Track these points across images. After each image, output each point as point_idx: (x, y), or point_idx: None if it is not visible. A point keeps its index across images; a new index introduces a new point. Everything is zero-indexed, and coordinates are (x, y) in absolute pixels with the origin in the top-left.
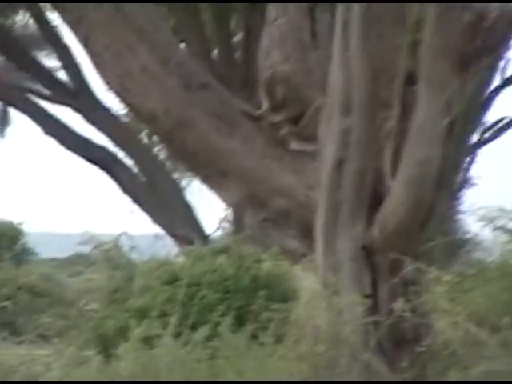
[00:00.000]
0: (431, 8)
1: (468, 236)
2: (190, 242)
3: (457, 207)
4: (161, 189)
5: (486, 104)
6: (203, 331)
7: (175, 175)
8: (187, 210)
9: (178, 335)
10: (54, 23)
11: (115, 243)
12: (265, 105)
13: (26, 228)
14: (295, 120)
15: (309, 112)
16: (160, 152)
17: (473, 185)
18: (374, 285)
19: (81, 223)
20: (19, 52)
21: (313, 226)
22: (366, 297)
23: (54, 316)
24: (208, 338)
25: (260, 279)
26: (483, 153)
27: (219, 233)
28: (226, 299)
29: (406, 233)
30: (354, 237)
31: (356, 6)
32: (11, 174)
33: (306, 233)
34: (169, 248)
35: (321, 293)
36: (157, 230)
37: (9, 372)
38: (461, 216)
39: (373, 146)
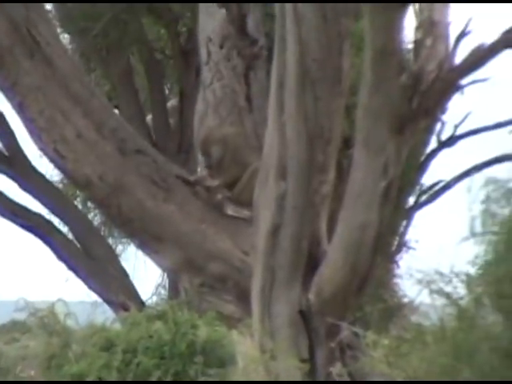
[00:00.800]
0: (367, 71)
1: (405, 300)
2: (126, 309)
3: (394, 271)
4: (96, 255)
5: (423, 167)
6: None
7: (110, 241)
8: (122, 276)
9: None
10: None
11: (51, 310)
12: (201, 168)
13: None
14: (231, 185)
15: (244, 177)
16: (95, 218)
17: (409, 248)
18: (311, 349)
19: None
20: None
21: (249, 290)
22: (304, 361)
23: None
24: None
25: (197, 345)
26: (419, 216)
27: (155, 298)
28: (163, 365)
29: (342, 297)
30: (291, 301)
31: (291, 69)
32: None
33: (243, 297)
34: (107, 315)
35: (258, 358)
36: (94, 296)
37: None
38: (398, 280)
39: (309, 211)
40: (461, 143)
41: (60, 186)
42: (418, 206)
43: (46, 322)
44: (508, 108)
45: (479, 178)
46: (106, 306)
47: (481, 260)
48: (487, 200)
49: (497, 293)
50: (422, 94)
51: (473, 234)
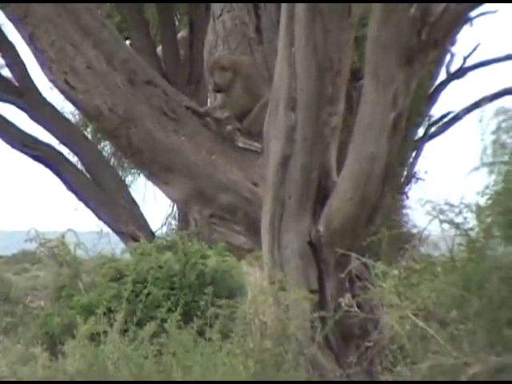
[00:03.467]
0: (376, 3)
1: (415, 230)
2: (136, 239)
3: (403, 202)
4: (106, 186)
5: (432, 98)
6: (150, 328)
7: (120, 172)
8: (132, 207)
9: (124, 332)
10: None
11: (61, 240)
12: (211, 99)
13: None
14: (242, 116)
15: (255, 108)
16: (105, 149)
17: (419, 179)
18: (321, 280)
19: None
20: None
21: (259, 221)
22: (313, 292)
23: None
24: (155, 335)
25: (206, 275)
26: (429, 147)
27: (165, 229)
28: (173, 295)
29: (352, 228)
30: (300, 232)
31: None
32: None
33: (253, 229)
34: (115, 245)
35: (267, 288)
36: (104, 227)
37: None
38: (407, 210)
39: (318, 142)
40: (470, 75)
41: (70, 117)
42: (427, 137)
43: (56, 252)
44: None
45: (489, 108)
46: (116, 237)
47: (491, 190)
48: (498, 130)
49: (506, 223)
50: (430, 25)
51: (483, 164)
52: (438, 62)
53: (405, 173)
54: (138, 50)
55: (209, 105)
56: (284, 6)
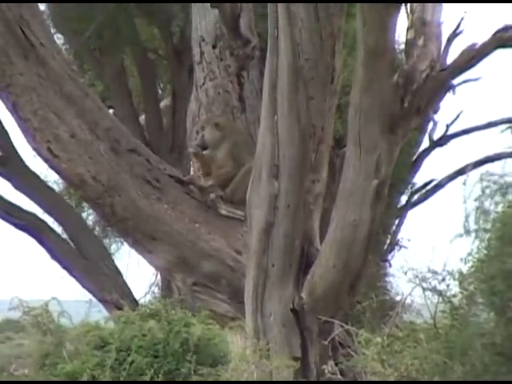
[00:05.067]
0: (359, 71)
1: (398, 298)
2: (120, 307)
3: (386, 269)
4: (89, 254)
5: (415, 166)
6: None
7: (104, 240)
8: (116, 275)
9: None
10: None
11: (44, 309)
12: (194, 168)
13: None
14: (225, 183)
15: (237, 176)
16: (89, 217)
17: (402, 247)
18: (304, 347)
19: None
20: None
21: (242, 289)
22: (296, 359)
23: None
24: None
25: (190, 343)
26: (412, 215)
27: (149, 297)
28: (156, 363)
29: (335, 296)
30: (283, 300)
31: (283, 69)
32: None
33: (236, 296)
34: (102, 313)
35: (250, 356)
36: (88, 295)
37: None
38: (390, 278)
39: (301, 210)
40: (453, 142)
41: (55, 186)
42: (410, 204)
43: (39, 320)
44: (499, 107)
45: (472, 176)
46: (100, 305)
47: (473, 257)
48: (482, 195)
49: (489, 290)
50: (413, 93)
51: (466, 231)
52: (421, 130)
53: (388, 240)
54: (121, 118)
55: (191, 172)
56: (266, 73)
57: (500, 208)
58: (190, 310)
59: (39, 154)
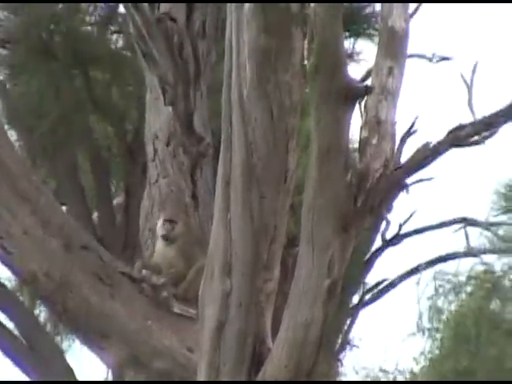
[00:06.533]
0: (312, 170)
1: None
2: None
3: (338, 368)
4: (42, 351)
5: (367, 265)
6: None
7: (56, 337)
8: (68, 372)
9: None
10: None
11: None
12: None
13: None
14: (177, 281)
15: (190, 274)
16: (41, 314)
17: (353, 346)
18: None
19: None
20: None
21: None
22: None
23: None
24: None
25: None
26: (364, 314)
27: None
28: None
29: None
30: None
31: (237, 167)
32: None
33: None
34: None
35: None
36: None
37: None
38: (343, 377)
39: (254, 308)
40: (405, 242)
41: (7, 282)
42: (362, 304)
43: None
44: (452, 206)
45: (426, 274)
46: None
47: (426, 356)
48: (435, 294)
49: None
50: (367, 192)
51: (419, 330)
52: (374, 229)
53: (340, 339)
54: (74, 215)
55: (143, 272)
56: (220, 171)
57: (453, 307)
58: None
59: None
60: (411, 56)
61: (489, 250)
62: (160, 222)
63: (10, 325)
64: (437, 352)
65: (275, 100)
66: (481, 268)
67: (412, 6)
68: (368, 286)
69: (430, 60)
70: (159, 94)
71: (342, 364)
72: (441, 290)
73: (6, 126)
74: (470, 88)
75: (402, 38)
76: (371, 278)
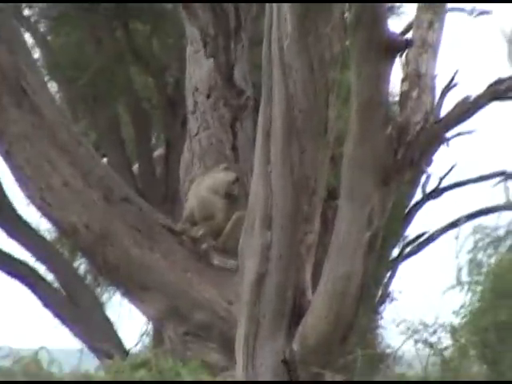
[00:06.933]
0: (353, 123)
1: (389, 350)
2: (110, 357)
3: (378, 321)
4: (81, 303)
5: (407, 219)
6: None
7: (96, 289)
8: (107, 325)
9: None
10: None
11: (34, 358)
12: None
13: None
14: (217, 233)
15: (228, 225)
16: (81, 267)
17: (393, 299)
18: None
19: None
20: None
21: (234, 339)
22: None
23: None
24: None
25: None
26: (404, 267)
27: (140, 346)
28: None
29: (326, 347)
30: (275, 351)
31: (277, 120)
32: None
33: (227, 346)
34: (92, 362)
35: None
36: (79, 344)
37: None
38: (382, 330)
39: (294, 261)
40: (446, 195)
41: (46, 234)
42: (402, 257)
43: (29, 369)
44: (492, 161)
45: (466, 228)
46: (91, 354)
47: (466, 310)
48: (475, 248)
49: (482, 342)
50: (407, 145)
51: (459, 283)
52: (414, 182)
53: (379, 292)
54: (114, 167)
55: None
56: (260, 124)
57: (493, 261)
58: (181, 360)
59: (32, 202)
60: (451, 10)
61: None
62: (225, 176)
63: (49, 277)
64: (477, 305)
65: (315, 53)
66: None
67: None
68: (408, 240)
69: (470, 14)
70: (200, 47)
71: (381, 317)
72: (480, 244)
73: (46, 78)
74: (509, 42)
75: None
76: (411, 232)
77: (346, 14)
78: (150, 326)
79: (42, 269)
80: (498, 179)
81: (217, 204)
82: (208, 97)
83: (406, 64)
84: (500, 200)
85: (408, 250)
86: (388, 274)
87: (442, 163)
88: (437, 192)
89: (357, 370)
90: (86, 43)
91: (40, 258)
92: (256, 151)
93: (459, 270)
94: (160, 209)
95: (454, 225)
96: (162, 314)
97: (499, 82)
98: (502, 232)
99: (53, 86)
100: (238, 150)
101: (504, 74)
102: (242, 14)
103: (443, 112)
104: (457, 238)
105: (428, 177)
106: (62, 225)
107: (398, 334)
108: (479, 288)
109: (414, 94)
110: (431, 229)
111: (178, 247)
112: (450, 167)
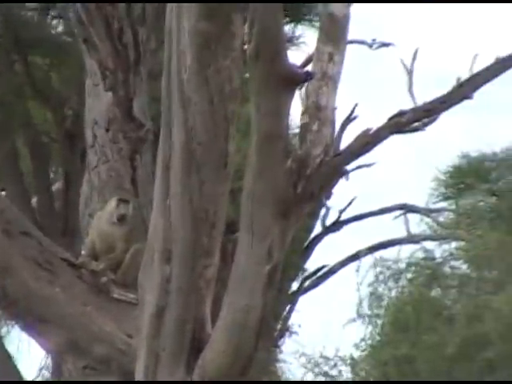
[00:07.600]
0: (252, 156)
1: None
2: None
3: (278, 354)
4: None
5: (307, 252)
6: None
7: None
8: (6, 358)
9: None
10: None
11: None
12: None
13: None
14: (117, 266)
15: (127, 258)
16: None
17: (292, 333)
18: None
19: None
20: None
21: (133, 373)
22: None
23: None
24: None
25: None
26: (304, 300)
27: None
28: None
29: (226, 380)
30: None
31: (176, 154)
32: None
33: (127, 380)
34: None
35: None
36: None
37: None
38: (283, 363)
39: (193, 294)
40: (345, 228)
41: None
42: (302, 290)
43: None
44: (393, 193)
45: (367, 260)
46: None
47: (366, 343)
48: (375, 281)
49: (382, 375)
50: (307, 178)
51: (359, 316)
52: (314, 215)
53: (279, 326)
54: (12, 200)
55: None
56: (159, 157)
57: (393, 293)
58: None
59: None
60: (352, 42)
61: (429, 236)
62: (113, 203)
63: None
64: (377, 339)
65: (215, 85)
66: (421, 255)
67: None
68: (308, 273)
69: (371, 46)
70: (99, 80)
71: (281, 350)
72: (381, 277)
73: None
74: (410, 74)
75: (343, 23)
76: (311, 265)
77: (246, 46)
78: (50, 360)
79: None
80: (398, 212)
81: (115, 233)
82: (107, 130)
83: (306, 96)
84: (401, 233)
85: (308, 283)
86: (288, 308)
87: (342, 196)
88: (337, 225)
89: None
90: None
91: None
92: (155, 184)
93: (360, 302)
94: (59, 242)
95: (354, 258)
96: (61, 347)
97: (400, 114)
98: (402, 265)
99: None
100: (137, 183)
101: (405, 107)
102: (141, 47)
103: (343, 145)
104: (357, 270)
105: (328, 210)
106: None
107: (299, 367)
108: (379, 321)
109: (314, 126)
110: (331, 262)
111: (78, 281)
112: (350, 200)
